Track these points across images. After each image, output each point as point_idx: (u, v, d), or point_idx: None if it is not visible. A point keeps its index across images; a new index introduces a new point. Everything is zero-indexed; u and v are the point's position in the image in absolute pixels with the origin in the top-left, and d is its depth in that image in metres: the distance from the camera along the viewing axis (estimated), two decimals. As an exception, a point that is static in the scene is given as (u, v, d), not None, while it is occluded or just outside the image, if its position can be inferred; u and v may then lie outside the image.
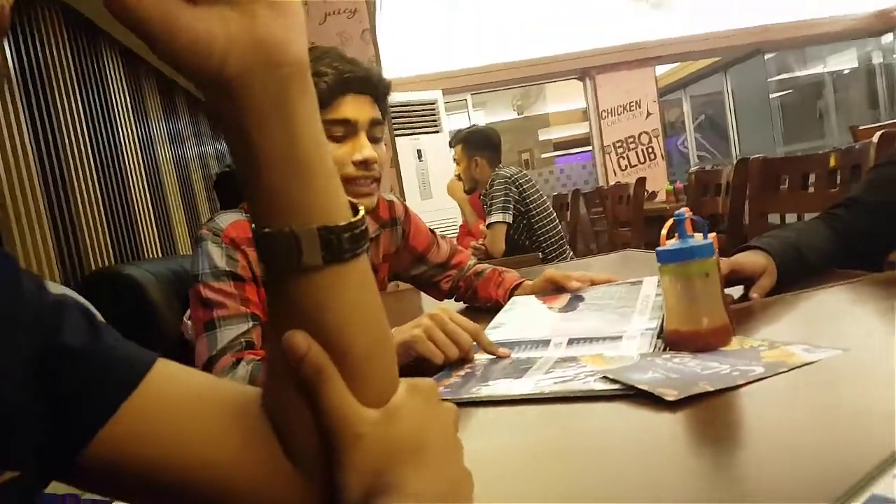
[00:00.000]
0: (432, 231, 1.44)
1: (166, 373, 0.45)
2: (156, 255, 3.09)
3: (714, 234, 0.91)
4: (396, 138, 4.88)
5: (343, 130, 1.12)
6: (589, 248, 4.46)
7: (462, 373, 0.88)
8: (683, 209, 0.88)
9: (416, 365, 0.93)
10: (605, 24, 6.23)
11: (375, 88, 1.15)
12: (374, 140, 1.16)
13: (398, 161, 2.31)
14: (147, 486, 0.43)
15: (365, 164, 1.12)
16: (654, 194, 6.06)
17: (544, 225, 2.96)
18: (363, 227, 0.43)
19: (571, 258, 3.06)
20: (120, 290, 2.47)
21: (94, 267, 2.90)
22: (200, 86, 0.38)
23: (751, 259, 1.14)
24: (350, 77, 1.11)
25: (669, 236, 0.89)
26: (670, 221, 0.88)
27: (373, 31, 2.19)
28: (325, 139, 0.42)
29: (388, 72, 5.83)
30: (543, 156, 11.01)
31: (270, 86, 0.38)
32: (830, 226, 1.23)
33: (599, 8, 5.91)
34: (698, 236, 0.88)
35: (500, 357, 0.93)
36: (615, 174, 6.87)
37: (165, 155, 3.46)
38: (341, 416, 0.42)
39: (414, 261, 1.42)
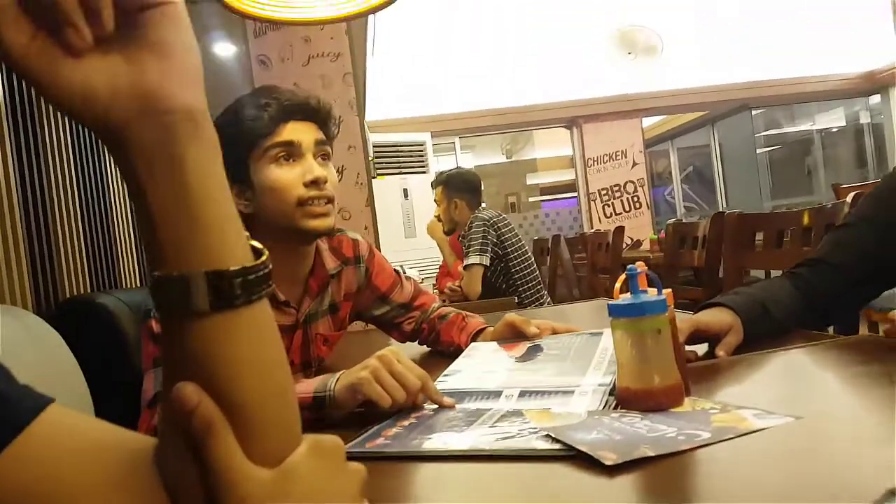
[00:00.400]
0: (397, 271, 1.43)
1: (57, 419, 0.42)
2: (135, 285, 3.06)
3: (669, 291, 0.90)
4: (387, 177, 4.92)
5: (288, 152, 1.15)
6: (572, 293, 4.46)
7: (406, 423, 0.86)
8: (637, 263, 0.87)
9: (362, 413, 0.91)
10: (593, 75, 6.33)
11: (316, 113, 1.18)
12: (322, 161, 1.18)
13: (374, 201, 2.31)
14: None
15: (315, 183, 1.14)
16: (638, 243, 6.08)
17: (522, 269, 2.95)
18: (260, 273, 0.42)
19: (549, 304, 3.05)
20: (92, 319, 2.43)
21: (68, 294, 2.86)
22: (92, 130, 0.38)
23: (717, 317, 1.13)
24: (289, 104, 1.15)
25: (623, 291, 0.88)
26: (623, 276, 0.87)
27: (355, 75, 2.22)
28: (224, 184, 0.41)
29: (378, 113, 5.88)
30: (530, 200, 11.09)
31: (156, 134, 0.38)
32: (794, 285, 1.22)
33: (588, 59, 6.02)
34: (652, 291, 0.86)
35: (445, 407, 0.91)
36: (600, 221, 6.91)
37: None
38: (228, 474, 0.40)
39: (376, 300, 1.40)
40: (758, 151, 8.14)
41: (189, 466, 0.41)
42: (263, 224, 1.17)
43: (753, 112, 7.93)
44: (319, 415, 0.92)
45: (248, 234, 0.44)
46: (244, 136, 1.14)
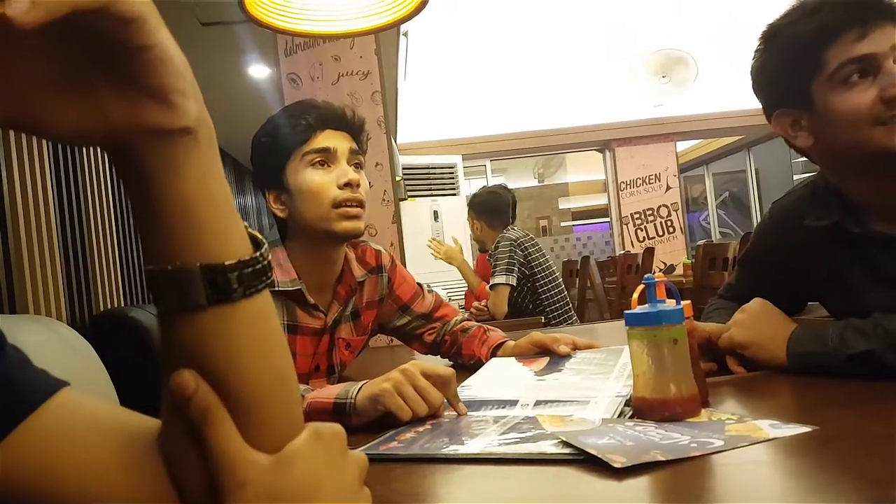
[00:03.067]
0: (419, 284, 1.45)
1: (70, 401, 0.44)
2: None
3: (688, 301, 0.89)
4: (418, 199, 4.96)
5: (325, 158, 1.21)
6: (602, 316, 4.42)
7: (422, 428, 0.86)
8: (655, 274, 0.87)
9: (381, 419, 0.91)
10: (626, 98, 6.32)
11: (350, 124, 1.25)
12: (356, 169, 1.24)
13: (400, 218, 2.33)
14: None
15: (349, 185, 1.20)
16: (671, 268, 6.01)
17: (549, 290, 2.94)
18: (258, 266, 0.42)
19: (576, 323, 3.03)
20: (124, 332, 2.49)
21: (102, 308, 2.93)
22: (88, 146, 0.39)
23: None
24: (325, 113, 1.22)
25: (641, 301, 0.87)
26: (641, 286, 0.86)
27: (384, 94, 2.26)
28: (221, 178, 0.42)
29: (410, 135, 5.95)
30: (562, 224, 11.04)
31: (157, 150, 0.38)
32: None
33: (621, 82, 6.02)
34: (670, 301, 0.86)
35: (458, 413, 0.92)
36: (633, 245, 6.84)
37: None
38: (227, 459, 0.40)
39: (398, 310, 1.42)
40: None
41: (190, 451, 0.41)
42: (298, 228, 1.24)
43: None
44: (339, 421, 0.92)
45: (246, 223, 0.44)
46: (282, 145, 1.21)
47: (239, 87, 3.89)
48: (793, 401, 0.93)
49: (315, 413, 0.93)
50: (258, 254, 0.42)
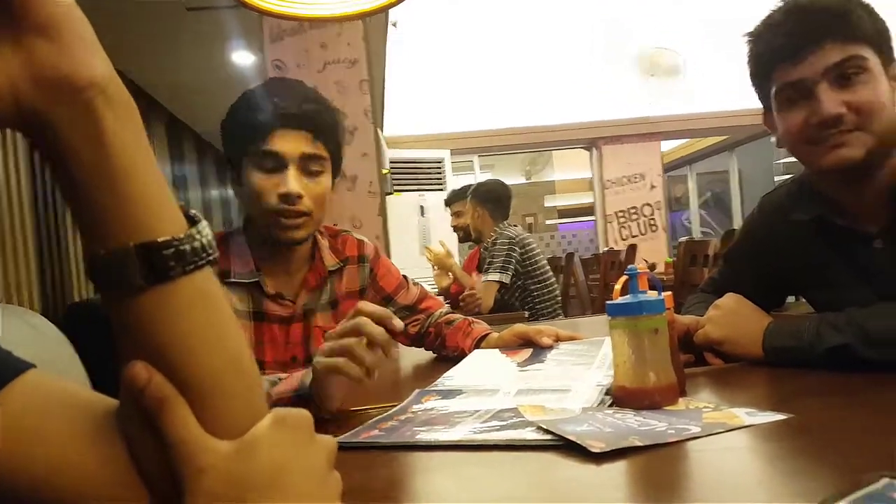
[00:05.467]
0: (405, 276, 1.43)
1: (35, 384, 0.43)
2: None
3: (669, 293, 0.90)
4: (404, 193, 4.95)
5: (272, 163, 1.13)
6: (585, 312, 4.45)
7: (403, 417, 0.86)
8: (637, 265, 0.87)
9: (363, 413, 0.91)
10: (614, 96, 6.35)
11: (311, 123, 1.15)
12: (309, 174, 1.16)
13: (385, 210, 2.33)
14: None
15: (287, 197, 1.12)
16: (653, 266, 6.05)
17: (541, 288, 2.96)
18: (195, 244, 0.41)
19: (560, 318, 3.05)
20: (99, 322, 2.47)
21: (76, 298, 2.90)
22: (3, 127, 0.37)
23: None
24: (283, 112, 1.12)
25: (624, 292, 0.88)
26: (624, 277, 0.87)
27: (371, 83, 2.24)
28: (147, 152, 0.40)
29: (398, 129, 5.92)
30: (548, 222, 11.09)
31: (70, 115, 0.37)
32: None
33: (609, 80, 6.05)
34: (652, 293, 0.87)
35: (394, 328, 0.88)
36: (616, 243, 6.88)
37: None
38: (184, 447, 0.40)
39: (381, 301, 1.38)
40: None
41: (149, 440, 0.41)
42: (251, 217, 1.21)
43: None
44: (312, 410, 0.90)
45: (178, 200, 0.43)
46: (238, 137, 1.17)
47: (223, 74, 3.85)
48: (769, 391, 0.95)
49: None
50: (194, 230, 0.41)
